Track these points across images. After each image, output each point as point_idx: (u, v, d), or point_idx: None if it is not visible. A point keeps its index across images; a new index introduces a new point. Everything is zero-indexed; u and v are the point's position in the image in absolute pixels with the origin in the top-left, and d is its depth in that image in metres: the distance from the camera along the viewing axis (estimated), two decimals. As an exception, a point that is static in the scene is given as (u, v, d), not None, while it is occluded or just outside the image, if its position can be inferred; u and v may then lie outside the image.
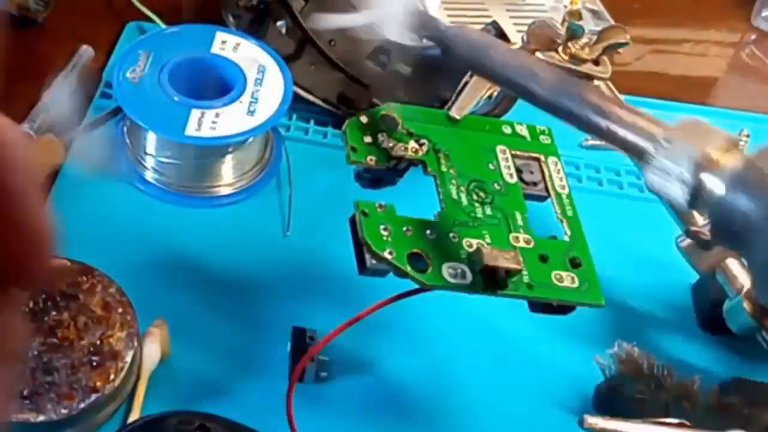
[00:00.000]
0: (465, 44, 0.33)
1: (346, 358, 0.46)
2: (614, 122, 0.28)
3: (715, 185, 0.26)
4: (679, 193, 0.26)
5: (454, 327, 0.49)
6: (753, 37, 0.83)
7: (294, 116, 0.61)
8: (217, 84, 0.54)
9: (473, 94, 0.43)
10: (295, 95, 0.56)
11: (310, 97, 0.60)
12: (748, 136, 0.63)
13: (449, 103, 0.42)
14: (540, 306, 0.36)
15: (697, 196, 0.26)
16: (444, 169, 0.37)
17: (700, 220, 0.47)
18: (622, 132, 0.28)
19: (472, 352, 0.49)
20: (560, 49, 0.48)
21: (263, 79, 0.54)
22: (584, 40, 0.48)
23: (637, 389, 0.44)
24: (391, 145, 0.36)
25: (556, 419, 0.46)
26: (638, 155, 0.28)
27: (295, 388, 0.45)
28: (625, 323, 0.52)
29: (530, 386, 0.48)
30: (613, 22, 0.74)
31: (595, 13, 0.75)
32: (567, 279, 0.36)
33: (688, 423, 0.41)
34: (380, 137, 0.36)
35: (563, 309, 0.36)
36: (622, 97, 0.51)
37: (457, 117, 0.40)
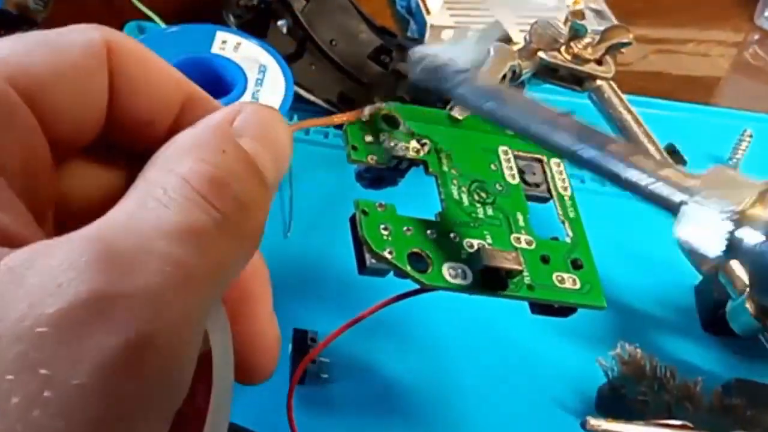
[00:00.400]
0: (479, 95, 0.32)
1: (347, 360, 0.46)
2: (641, 173, 0.28)
3: (753, 236, 0.25)
4: (713, 246, 0.26)
5: (456, 328, 0.49)
6: (756, 36, 0.83)
7: (295, 116, 0.61)
8: (217, 84, 0.54)
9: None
10: (296, 95, 0.55)
11: (311, 97, 0.60)
12: (751, 136, 0.63)
13: (451, 103, 0.42)
14: (541, 307, 0.36)
15: (734, 247, 0.26)
16: (445, 169, 0.37)
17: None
18: (650, 184, 0.28)
19: (473, 353, 0.49)
20: (563, 48, 0.48)
21: (264, 78, 0.54)
22: (587, 39, 0.48)
23: (639, 391, 0.44)
24: (392, 144, 0.36)
25: (558, 421, 0.46)
26: (668, 207, 0.27)
27: (296, 390, 0.45)
28: (628, 324, 0.52)
29: (532, 388, 0.47)
30: (616, 22, 0.73)
31: (598, 13, 0.75)
32: (568, 281, 0.35)
33: (690, 425, 0.41)
34: (381, 137, 0.36)
35: (564, 311, 0.36)
36: (624, 96, 0.51)
37: (459, 117, 0.39)
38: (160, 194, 0.18)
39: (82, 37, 0.21)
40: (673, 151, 0.64)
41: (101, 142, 0.21)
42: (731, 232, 0.25)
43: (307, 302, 0.49)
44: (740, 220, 0.25)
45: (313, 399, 0.44)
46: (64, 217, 0.21)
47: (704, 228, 0.26)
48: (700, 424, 0.41)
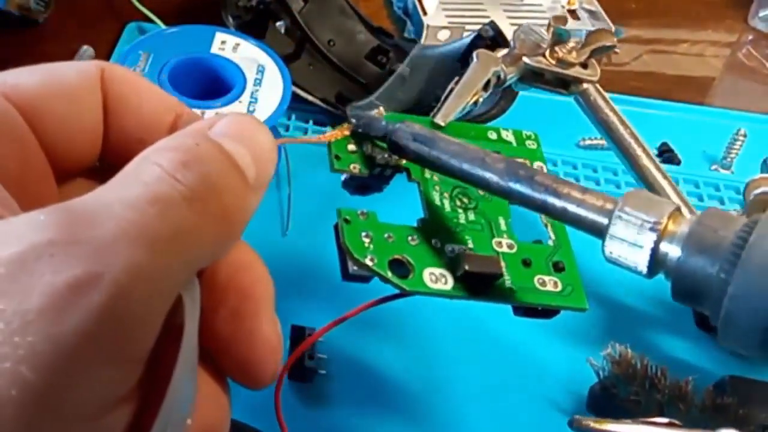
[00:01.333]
0: (411, 137, 0.34)
1: (342, 357, 0.46)
2: (568, 202, 0.30)
3: (672, 250, 0.27)
4: (638, 262, 0.28)
5: (450, 327, 0.49)
6: (750, 37, 0.83)
7: (293, 116, 0.62)
8: (216, 84, 0.54)
9: (458, 102, 0.43)
10: (294, 95, 0.56)
11: (309, 97, 0.60)
12: (744, 135, 0.63)
13: (434, 110, 0.42)
14: (523, 310, 0.36)
15: (657, 262, 0.28)
16: (427, 175, 0.37)
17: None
18: (576, 210, 0.29)
19: (467, 352, 0.49)
20: (547, 53, 0.49)
21: (262, 79, 0.54)
22: (571, 44, 0.49)
23: (631, 390, 0.44)
24: (374, 153, 0.37)
25: (549, 421, 0.47)
26: (595, 231, 0.29)
27: (293, 387, 0.45)
28: (621, 322, 0.52)
29: (524, 388, 0.48)
30: (610, 23, 0.74)
31: (592, 14, 0.76)
32: (550, 283, 0.36)
33: (678, 422, 0.41)
34: (364, 145, 0.37)
35: (547, 313, 0.36)
36: (609, 97, 0.51)
37: (442, 124, 0.40)
38: (132, 176, 0.19)
39: (75, 65, 0.22)
40: (667, 151, 0.64)
41: (101, 164, 0.23)
42: (654, 249, 0.27)
43: (305, 299, 0.49)
44: (661, 233, 0.27)
45: (307, 395, 0.45)
46: None
47: (630, 247, 0.28)
48: (692, 423, 0.42)
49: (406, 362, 0.48)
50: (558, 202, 0.30)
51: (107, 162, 0.22)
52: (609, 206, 0.29)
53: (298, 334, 0.46)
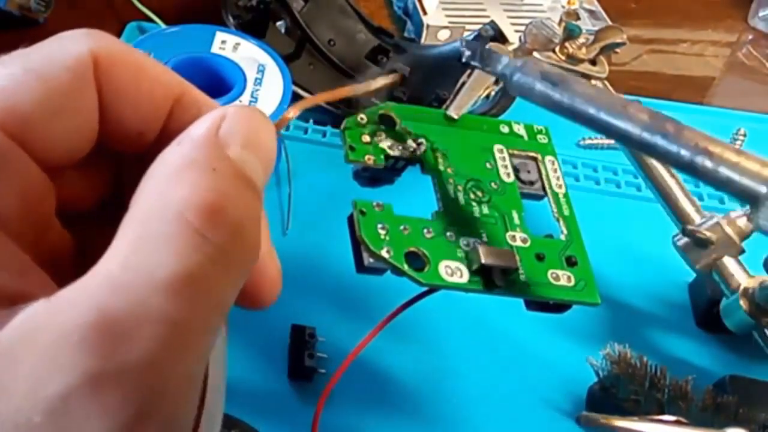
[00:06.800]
0: (539, 76, 0.31)
1: (342, 356, 0.46)
2: (720, 162, 0.27)
3: None
4: None
5: (449, 327, 0.49)
6: (750, 37, 0.83)
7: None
8: (217, 83, 0.54)
9: (471, 94, 0.43)
10: (295, 94, 0.56)
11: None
12: (745, 135, 0.63)
13: (447, 103, 0.42)
14: (536, 304, 0.36)
15: None
16: (441, 168, 0.37)
17: (697, 218, 0.47)
18: (730, 173, 0.27)
19: (466, 352, 0.49)
20: (557, 49, 0.49)
21: (263, 78, 0.54)
22: (581, 40, 0.49)
23: (630, 390, 0.44)
24: (389, 144, 0.36)
25: (549, 420, 0.47)
26: (749, 198, 0.27)
27: (291, 385, 0.45)
28: (622, 322, 0.52)
29: (524, 387, 0.48)
30: (610, 22, 0.74)
31: (592, 13, 0.76)
32: (563, 278, 0.36)
33: (684, 420, 0.41)
34: (378, 136, 0.37)
35: (559, 307, 0.36)
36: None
37: (455, 116, 0.40)
38: (155, 233, 0.17)
39: (68, 57, 0.20)
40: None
41: (94, 150, 0.22)
42: None
43: (305, 299, 0.49)
44: None
45: (311, 393, 0.45)
46: (64, 215, 0.22)
47: None
48: (692, 422, 0.41)
49: (405, 362, 0.48)
50: (709, 162, 0.27)
51: (101, 147, 0.22)
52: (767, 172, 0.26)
53: (298, 334, 0.46)
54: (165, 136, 0.21)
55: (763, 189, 0.26)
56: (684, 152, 0.28)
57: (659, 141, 0.28)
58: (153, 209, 0.18)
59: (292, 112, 0.27)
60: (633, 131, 0.29)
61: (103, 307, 0.16)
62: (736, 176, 0.27)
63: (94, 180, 0.23)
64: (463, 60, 0.33)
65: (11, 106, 0.19)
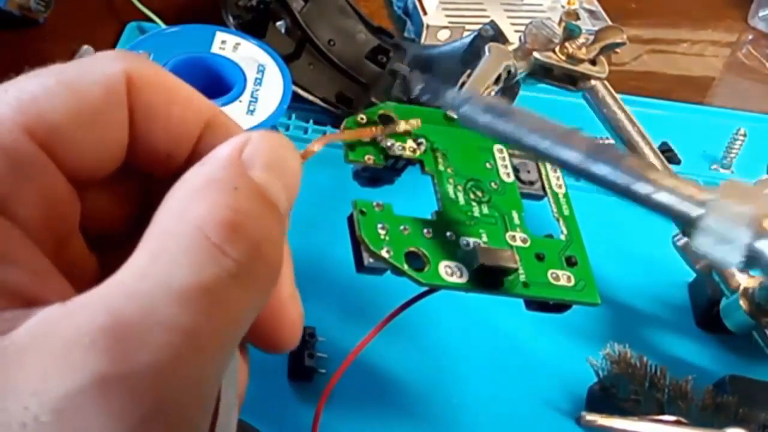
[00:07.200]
0: (482, 110, 0.31)
1: (342, 356, 0.46)
2: (656, 188, 0.28)
3: None
4: (731, 257, 0.26)
5: (449, 326, 0.49)
6: (750, 36, 0.83)
7: (293, 115, 0.62)
8: (217, 83, 0.54)
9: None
10: (295, 94, 0.56)
11: (310, 97, 0.60)
12: (744, 135, 0.63)
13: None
14: (536, 304, 0.36)
15: (752, 259, 0.26)
16: (441, 168, 0.37)
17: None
18: (666, 199, 0.27)
19: (466, 351, 0.49)
20: (557, 49, 0.49)
21: (263, 78, 0.54)
22: (581, 40, 0.49)
23: (630, 390, 0.44)
24: (389, 144, 0.36)
25: (549, 420, 0.47)
26: (684, 221, 0.27)
27: (292, 386, 0.45)
28: (622, 322, 0.52)
29: (524, 386, 0.48)
30: (610, 22, 0.74)
31: (592, 13, 0.76)
32: (563, 278, 0.36)
33: (684, 420, 0.41)
34: (378, 136, 0.37)
35: (559, 307, 0.36)
36: (619, 96, 0.52)
37: (455, 116, 0.40)
38: (173, 246, 0.17)
39: (101, 74, 0.20)
40: (667, 150, 0.64)
41: (122, 168, 0.22)
42: (749, 245, 0.26)
43: (305, 298, 0.48)
44: (760, 229, 0.26)
45: (310, 394, 0.45)
46: (91, 235, 0.22)
47: (723, 241, 0.26)
48: (692, 422, 0.42)
49: (405, 362, 0.48)
50: (645, 188, 0.28)
51: (129, 166, 0.22)
52: (702, 196, 0.27)
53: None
54: (194, 158, 0.21)
55: (695, 212, 0.27)
56: (621, 179, 0.28)
57: (598, 169, 0.28)
58: (172, 225, 0.18)
59: (317, 146, 0.27)
60: (573, 160, 0.29)
61: (115, 312, 0.16)
62: (672, 201, 0.27)
63: (121, 200, 0.23)
64: (412, 96, 0.34)
65: (41, 114, 0.19)
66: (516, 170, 0.39)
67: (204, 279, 0.17)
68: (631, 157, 0.29)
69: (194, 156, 0.22)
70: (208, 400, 0.17)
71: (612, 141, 0.50)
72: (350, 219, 0.35)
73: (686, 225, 0.27)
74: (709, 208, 0.27)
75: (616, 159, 0.28)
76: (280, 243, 0.20)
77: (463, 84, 0.44)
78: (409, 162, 0.37)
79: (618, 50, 0.52)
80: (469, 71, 0.45)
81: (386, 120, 0.38)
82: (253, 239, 0.18)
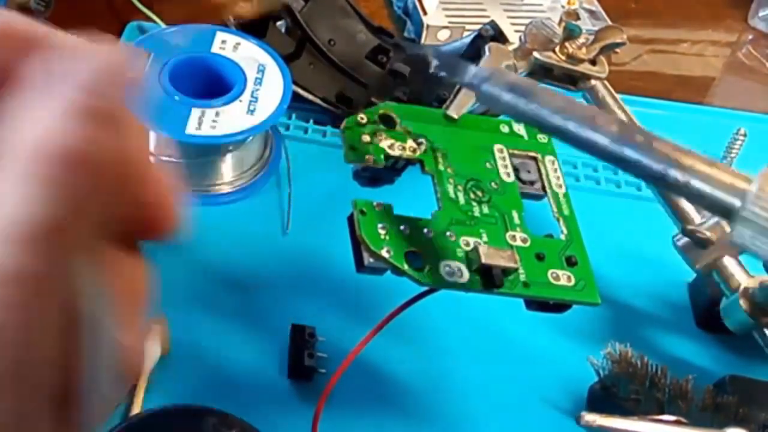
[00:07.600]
0: (506, 88, 0.30)
1: (342, 356, 0.46)
2: (693, 176, 0.26)
3: None
4: None
5: (449, 326, 0.49)
6: (750, 36, 0.83)
7: (293, 115, 0.62)
8: (217, 83, 0.54)
9: (470, 94, 0.43)
10: (295, 94, 0.56)
11: (310, 97, 0.60)
12: (745, 135, 0.63)
13: (447, 103, 0.42)
14: (536, 304, 0.36)
15: None
16: (441, 168, 0.37)
17: (697, 218, 0.47)
18: (703, 187, 0.26)
19: (466, 351, 0.49)
20: (557, 49, 0.49)
21: (263, 78, 0.54)
22: (581, 40, 0.49)
23: (630, 389, 0.44)
24: (389, 144, 0.36)
25: (549, 419, 0.47)
26: (721, 211, 0.26)
27: (291, 386, 0.45)
28: (622, 321, 0.52)
29: (524, 386, 0.48)
30: (610, 22, 0.74)
31: (592, 13, 0.76)
32: (563, 278, 0.36)
33: (684, 420, 0.41)
34: (378, 136, 0.37)
35: (559, 307, 0.36)
36: (619, 96, 0.52)
37: (455, 116, 0.40)
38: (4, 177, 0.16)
39: None
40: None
41: None
42: None
43: (306, 298, 0.49)
44: None
45: (310, 394, 0.45)
46: None
47: (765, 233, 0.25)
48: (692, 422, 0.41)
49: (405, 361, 0.48)
50: (680, 175, 0.26)
51: None
52: (742, 185, 0.26)
53: (298, 334, 0.46)
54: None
55: (737, 202, 0.25)
56: (654, 165, 0.27)
57: (628, 153, 0.27)
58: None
59: None
60: (601, 142, 0.28)
61: None
62: (708, 189, 0.26)
63: None
64: (431, 71, 0.32)
65: None
66: (516, 170, 0.39)
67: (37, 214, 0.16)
68: (663, 140, 0.27)
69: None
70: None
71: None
72: (350, 219, 0.35)
73: (724, 215, 0.26)
74: (749, 198, 0.25)
75: (647, 142, 0.27)
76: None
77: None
78: (409, 162, 0.37)
79: (618, 50, 0.52)
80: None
81: (386, 120, 0.38)
82: (87, 160, 0.17)
